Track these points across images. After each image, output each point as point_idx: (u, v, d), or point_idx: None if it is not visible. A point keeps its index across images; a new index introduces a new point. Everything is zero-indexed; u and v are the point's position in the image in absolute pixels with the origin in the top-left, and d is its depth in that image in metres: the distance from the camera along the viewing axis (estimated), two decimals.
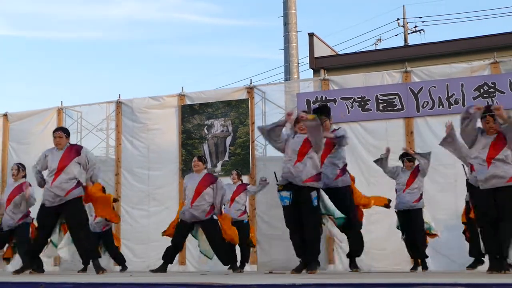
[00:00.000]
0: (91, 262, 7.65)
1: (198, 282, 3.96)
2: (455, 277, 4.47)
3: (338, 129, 7.75)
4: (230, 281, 3.98)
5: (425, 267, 9.27)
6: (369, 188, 10.49)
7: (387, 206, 9.28)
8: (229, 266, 8.84)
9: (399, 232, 9.62)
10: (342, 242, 8.75)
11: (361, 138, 10.95)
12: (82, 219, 7.56)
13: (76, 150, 7.63)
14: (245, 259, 10.26)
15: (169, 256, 8.94)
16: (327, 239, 10.76)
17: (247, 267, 11.09)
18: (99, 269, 7.53)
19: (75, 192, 7.47)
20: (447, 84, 10.54)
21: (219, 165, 11.86)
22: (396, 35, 24.79)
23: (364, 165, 10.76)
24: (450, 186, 10.26)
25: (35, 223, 8.52)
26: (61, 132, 7.77)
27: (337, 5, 62.02)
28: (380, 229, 10.48)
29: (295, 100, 11.50)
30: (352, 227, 7.65)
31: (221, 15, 60.72)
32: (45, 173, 7.71)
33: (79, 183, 7.52)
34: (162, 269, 8.82)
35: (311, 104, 11.23)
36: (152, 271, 8.98)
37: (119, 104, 12.66)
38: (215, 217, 8.64)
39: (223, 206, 8.91)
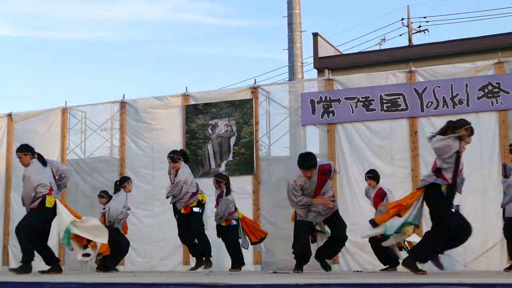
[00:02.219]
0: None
1: (203, 282, 3.96)
2: (460, 277, 4.46)
3: None
4: (234, 281, 3.98)
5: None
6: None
7: (262, 239, 10.00)
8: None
9: None
10: None
11: (365, 138, 10.93)
12: None
13: None
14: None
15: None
16: None
17: (251, 267, 11.09)
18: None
19: None
20: (451, 84, 10.51)
21: (223, 165, 11.84)
22: (401, 35, 24.84)
23: (368, 165, 10.73)
24: None
25: None
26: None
27: (341, 5, 62.00)
28: None
29: (299, 100, 11.48)
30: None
31: (224, 15, 60.76)
32: None
33: None
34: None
35: (315, 104, 11.22)
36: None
37: (123, 104, 12.66)
38: None
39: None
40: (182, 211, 9.46)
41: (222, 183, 9.88)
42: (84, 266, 11.43)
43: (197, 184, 9.61)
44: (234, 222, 9.75)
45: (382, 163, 10.67)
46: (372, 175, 9.59)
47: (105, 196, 10.78)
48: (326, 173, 7.73)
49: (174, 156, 9.56)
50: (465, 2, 49.37)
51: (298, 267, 7.85)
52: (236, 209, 9.90)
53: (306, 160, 7.64)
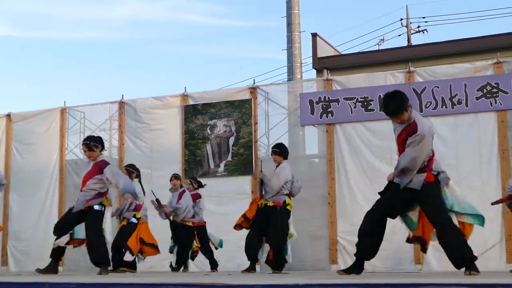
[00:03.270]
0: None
1: (201, 282, 3.96)
2: (460, 277, 4.47)
3: None
4: (233, 281, 3.98)
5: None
6: (372, 188, 10.44)
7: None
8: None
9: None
10: None
11: (364, 139, 10.93)
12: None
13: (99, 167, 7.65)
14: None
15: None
16: (330, 239, 10.74)
17: None
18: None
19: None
20: (450, 84, 10.51)
21: (222, 165, 11.84)
22: (399, 35, 24.73)
23: (367, 165, 10.75)
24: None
25: None
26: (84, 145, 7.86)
27: (340, 5, 62.04)
28: None
29: (298, 100, 11.48)
30: None
31: (224, 16, 60.77)
32: None
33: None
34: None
35: (314, 104, 11.22)
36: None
37: (122, 104, 12.66)
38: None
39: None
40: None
41: (134, 174, 9.63)
42: (82, 267, 11.40)
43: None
44: (134, 220, 9.27)
45: (381, 163, 10.66)
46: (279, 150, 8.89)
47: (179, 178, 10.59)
48: (410, 132, 6.19)
49: (90, 144, 7.79)
50: (465, 2, 49.44)
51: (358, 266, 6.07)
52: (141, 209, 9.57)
53: (386, 103, 6.10)
